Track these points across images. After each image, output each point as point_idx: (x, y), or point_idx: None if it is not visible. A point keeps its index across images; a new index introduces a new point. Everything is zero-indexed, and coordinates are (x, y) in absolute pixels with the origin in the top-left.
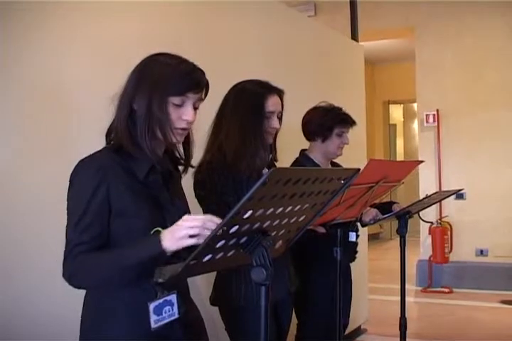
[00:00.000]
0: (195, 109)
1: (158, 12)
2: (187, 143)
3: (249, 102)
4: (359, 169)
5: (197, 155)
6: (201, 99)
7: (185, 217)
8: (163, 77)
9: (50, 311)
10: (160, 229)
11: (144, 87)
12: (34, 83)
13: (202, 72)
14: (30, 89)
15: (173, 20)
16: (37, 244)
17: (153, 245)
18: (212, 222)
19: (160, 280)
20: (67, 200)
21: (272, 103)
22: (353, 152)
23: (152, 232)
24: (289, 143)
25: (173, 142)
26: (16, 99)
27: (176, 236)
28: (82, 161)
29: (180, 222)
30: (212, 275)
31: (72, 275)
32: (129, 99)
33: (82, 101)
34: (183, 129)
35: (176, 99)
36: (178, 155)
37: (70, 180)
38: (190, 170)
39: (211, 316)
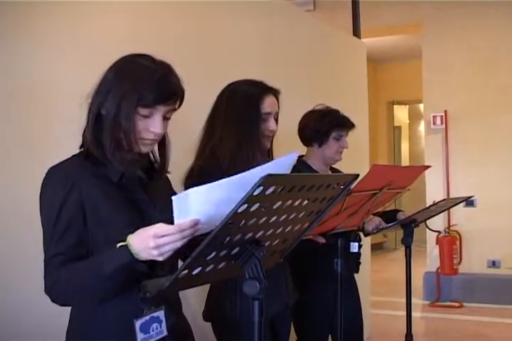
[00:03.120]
0: (167, 119)
1: (147, 9)
2: (162, 146)
3: (244, 103)
4: (358, 174)
5: (187, 160)
6: (174, 110)
7: (159, 225)
8: (135, 85)
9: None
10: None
11: (115, 91)
12: (13, 84)
13: (176, 82)
14: (8, 90)
15: (164, 17)
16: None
17: (123, 252)
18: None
19: (147, 295)
20: (40, 212)
21: (268, 104)
22: (355, 157)
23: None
24: (286, 148)
25: (138, 152)
26: None
27: (146, 246)
28: (50, 169)
29: (152, 231)
30: (205, 288)
31: (51, 289)
32: (99, 102)
33: (62, 102)
34: (151, 140)
35: (143, 111)
36: (153, 158)
37: (40, 192)
38: (179, 176)
39: (203, 332)
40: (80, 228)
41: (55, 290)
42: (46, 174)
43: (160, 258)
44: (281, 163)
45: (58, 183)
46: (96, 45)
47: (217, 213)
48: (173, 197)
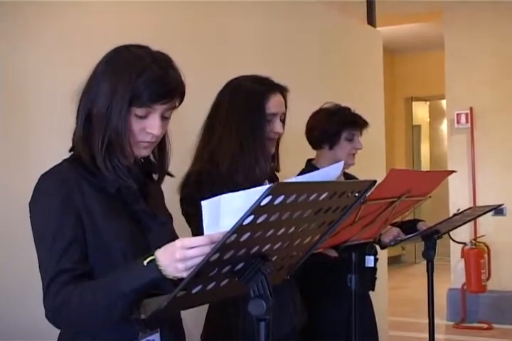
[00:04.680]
0: (166, 118)
1: (140, 3)
2: (161, 149)
3: (247, 102)
4: (375, 181)
5: (183, 166)
6: (174, 108)
7: (188, 238)
8: (129, 80)
9: None
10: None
11: (106, 87)
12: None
13: (176, 77)
14: None
15: (156, 9)
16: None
17: (151, 267)
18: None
19: (142, 317)
20: (32, 225)
21: (274, 103)
22: (370, 160)
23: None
24: (294, 150)
25: (133, 156)
26: None
27: (172, 259)
28: (42, 177)
29: (180, 243)
30: (204, 308)
31: (57, 312)
32: (90, 100)
33: (46, 101)
34: (149, 142)
35: (139, 111)
36: (152, 159)
37: (32, 202)
38: (174, 183)
39: None
40: (82, 242)
41: (64, 313)
42: (38, 182)
43: (185, 274)
44: (328, 173)
45: (53, 192)
46: (86, 42)
47: None
48: (202, 203)
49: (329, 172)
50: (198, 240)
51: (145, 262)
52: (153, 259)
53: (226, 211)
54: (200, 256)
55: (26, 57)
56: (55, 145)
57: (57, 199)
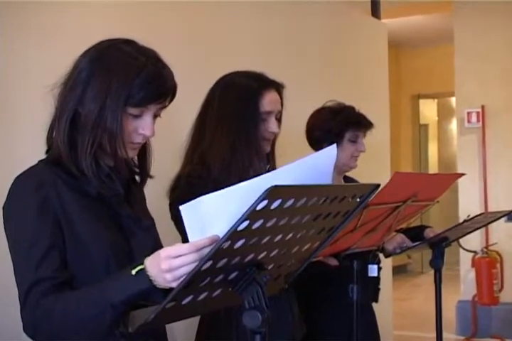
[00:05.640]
0: (156, 117)
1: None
2: (143, 151)
3: (240, 100)
4: (378, 185)
5: (173, 168)
6: (165, 107)
7: (174, 246)
8: (123, 80)
9: None
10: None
11: (97, 86)
12: None
13: (170, 76)
14: None
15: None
16: None
17: (141, 277)
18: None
19: (129, 330)
20: (6, 231)
21: (268, 101)
22: (374, 162)
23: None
24: (292, 152)
25: (123, 157)
26: None
27: (159, 269)
28: (17, 178)
29: (164, 252)
30: (195, 320)
31: (37, 324)
32: (76, 100)
33: (30, 99)
34: (139, 143)
35: (134, 110)
36: (132, 163)
37: (6, 206)
38: (160, 186)
39: None
40: (61, 248)
41: (45, 326)
42: (13, 185)
43: (174, 284)
44: (321, 158)
45: (29, 196)
46: (73, 41)
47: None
48: (181, 207)
49: (322, 157)
50: (182, 248)
51: (133, 271)
52: (142, 269)
53: (210, 213)
54: (187, 264)
55: (10, 55)
56: (41, 146)
57: (33, 204)
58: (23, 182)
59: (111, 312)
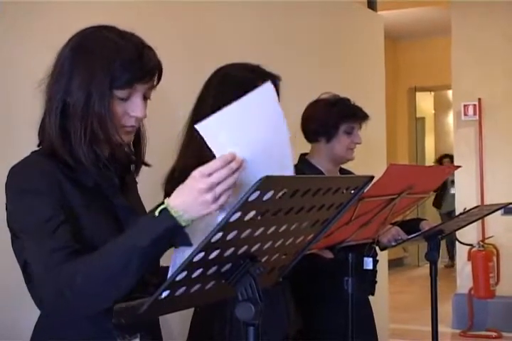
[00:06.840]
0: (146, 99)
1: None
2: (137, 138)
3: (235, 92)
4: (372, 176)
5: (168, 161)
6: (153, 87)
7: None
8: (105, 63)
9: None
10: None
11: (81, 73)
12: None
13: (152, 54)
14: None
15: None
16: None
17: (164, 216)
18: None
19: (121, 322)
20: (12, 215)
21: None
22: (370, 155)
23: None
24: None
25: (119, 143)
26: None
27: (198, 192)
28: (15, 168)
29: (195, 173)
30: (189, 312)
31: (58, 295)
32: (63, 90)
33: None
34: (132, 127)
35: (120, 93)
36: (128, 150)
37: (9, 192)
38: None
39: None
40: (72, 225)
41: (68, 293)
42: (12, 174)
43: (214, 207)
44: (257, 99)
45: (36, 178)
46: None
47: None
48: (197, 126)
49: (258, 95)
50: (213, 163)
51: (156, 212)
52: (165, 208)
53: (226, 128)
54: (223, 180)
55: (8, 53)
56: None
57: (42, 186)
58: (23, 168)
59: (138, 257)
